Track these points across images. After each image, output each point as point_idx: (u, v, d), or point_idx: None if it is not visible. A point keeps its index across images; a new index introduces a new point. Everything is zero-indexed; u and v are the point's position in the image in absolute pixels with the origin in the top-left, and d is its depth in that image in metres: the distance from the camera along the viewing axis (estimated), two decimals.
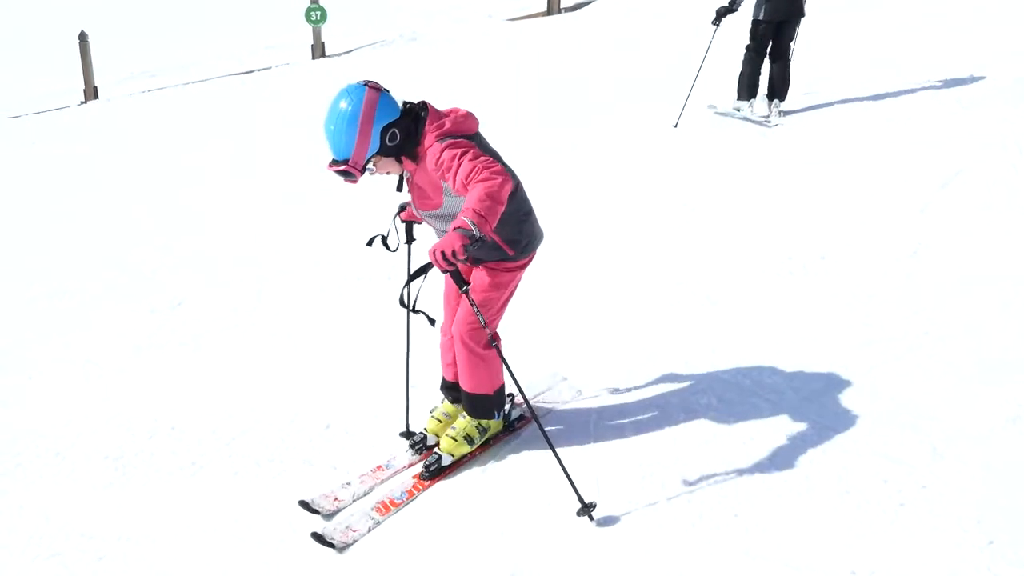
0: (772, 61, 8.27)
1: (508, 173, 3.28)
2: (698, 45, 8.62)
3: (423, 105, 3.50)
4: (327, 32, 17.60)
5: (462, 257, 3.12)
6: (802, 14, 8.06)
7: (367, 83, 3.46)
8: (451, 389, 4.00)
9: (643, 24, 14.05)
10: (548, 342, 4.82)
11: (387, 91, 3.46)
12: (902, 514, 3.21)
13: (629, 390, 4.29)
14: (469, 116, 3.52)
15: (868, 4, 12.80)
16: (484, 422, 3.90)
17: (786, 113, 8.31)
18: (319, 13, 16.96)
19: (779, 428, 3.84)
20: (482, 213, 3.12)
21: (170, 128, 12.48)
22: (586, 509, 3.38)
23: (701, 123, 8.42)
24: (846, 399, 4.00)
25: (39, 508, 3.91)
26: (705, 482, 3.55)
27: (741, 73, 8.35)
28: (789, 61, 8.25)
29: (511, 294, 3.77)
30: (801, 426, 3.83)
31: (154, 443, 4.33)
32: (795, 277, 5.30)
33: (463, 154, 3.28)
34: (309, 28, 17.22)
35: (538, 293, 4.94)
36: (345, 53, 17.20)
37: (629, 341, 4.76)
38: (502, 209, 3.20)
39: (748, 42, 8.26)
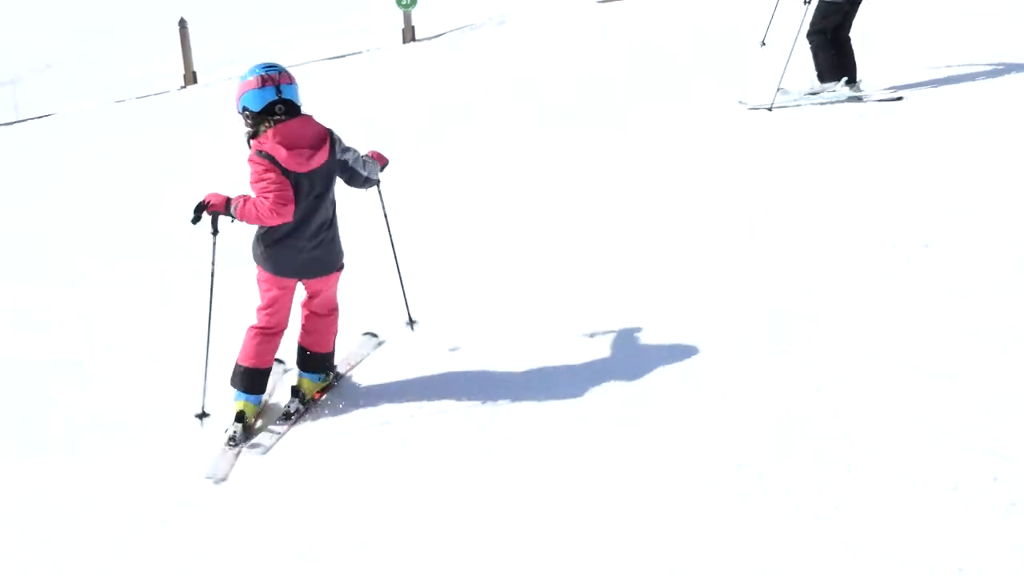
0: (844, 41, 8.00)
1: (280, 208, 4.02)
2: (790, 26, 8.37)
3: (300, 119, 4.15)
4: (417, 16, 17.71)
5: (210, 214, 4.17)
6: None
7: (268, 69, 4.14)
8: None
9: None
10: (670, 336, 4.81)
11: (276, 86, 4.07)
12: (1013, 513, 3.10)
13: (731, 381, 4.25)
14: (292, 156, 4.06)
15: None
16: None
17: (890, 97, 8.03)
18: None
19: (880, 420, 3.75)
20: (246, 208, 4.09)
21: None
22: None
23: (793, 106, 8.23)
24: (951, 392, 3.88)
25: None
26: (804, 473, 3.50)
27: (823, 57, 8.06)
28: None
29: (275, 298, 4.34)
30: (904, 419, 3.74)
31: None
32: (897, 266, 5.16)
33: (266, 172, 4.05)
34: (399, 12, 17.35)
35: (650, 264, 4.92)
36: (435, 37, 17.29)
37: (728, 329, 4.71)
38: (253, 221, 4.12)
39: (820, 25, 7.95)
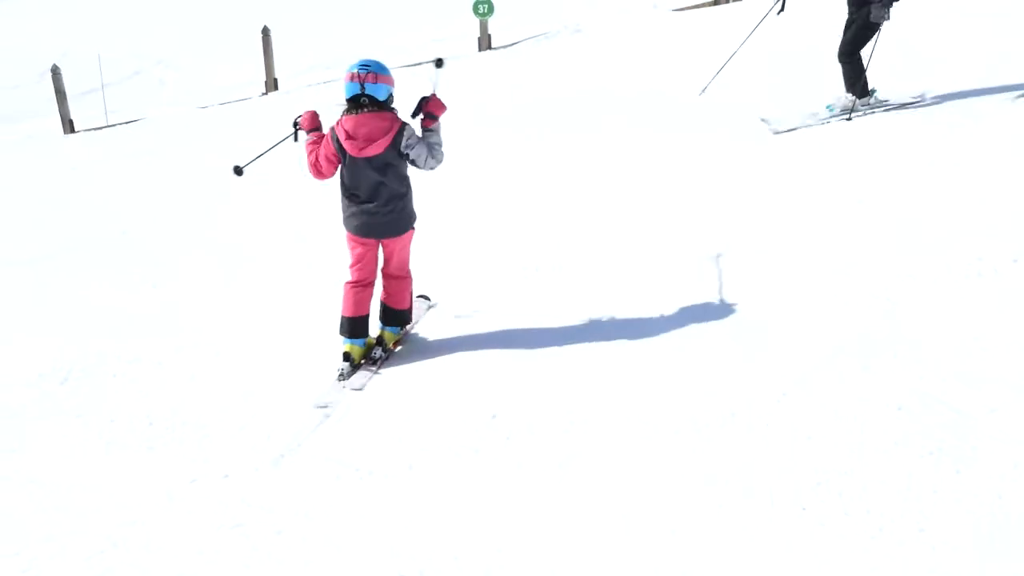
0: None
1: (310, 169, 5.16)
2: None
3: (369, 115, 4.90)
4: (493, 25, 17.80)
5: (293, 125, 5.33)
6: None
7: (360, 67, 4.91)
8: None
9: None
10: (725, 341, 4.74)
11: (361, 83, 4.87)
12: None
13: (813, 397, 4.15)
14: (348, 143, 4.91)
15: None
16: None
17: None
18: (486, 6, 17.18)
19: (965, 441, 3.63)
20: (306, 149, 5.17)
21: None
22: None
23: (874, 113, 8.04)
24: None
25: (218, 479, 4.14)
26: (886, 493, 3.39)
27: (860, 73, 8.16)
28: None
29: (360, 255, 5.15)
30: (990, 440, 3.60)
31: (329, 423, 4.50)
32: (984, 279, 4.98)
33: (322, 141, 5.10)
34: (476, 21, 17.47)
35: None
36: (510, 45, 17.35)
37: (811, 344, 4.60)
38: (309, 163, 5.15)
39: (862, 46, 8.08)
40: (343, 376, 5.04)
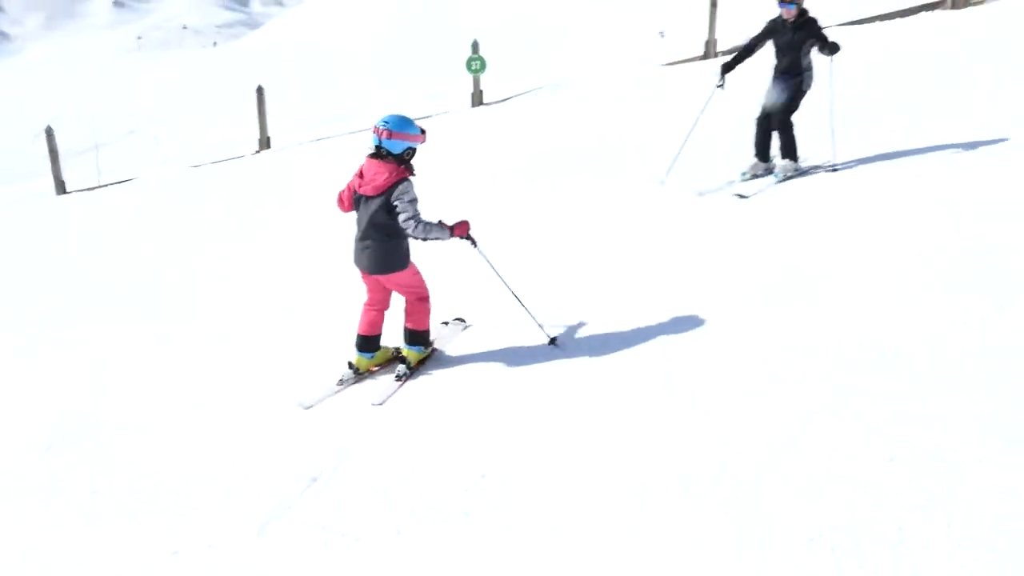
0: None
1: (337, 200, 5.71)
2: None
3: (379, 163, 5.37)
4: (486, 81, 18.04)
5: None
6: None
7: (383, 123, 5.34)
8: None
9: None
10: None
11: (379, 137, 5.31)
12: None
13: (803, 451, 4.12)
14: (357, 180, 5.48)
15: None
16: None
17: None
18: (479, 63, 17.44)
19: (955, 492, 3.59)
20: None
21: (333, 176, 13.02)
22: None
23: (863, 161, 8.13)
24: None
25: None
26: (879, 548, 3.36)
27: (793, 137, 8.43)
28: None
29: (365, 282, 5.73)
30: (979, 492, 3.57)
31: (317, 487, 4.45)
32: (971, 328, 4.98)
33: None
34: (470, 77, 17.70)
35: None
36: (502, 101, 17.56)
37: (795, 390, 4.59)
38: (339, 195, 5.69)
39: (795, 112, 8.38)
40: (342, 382, 5.71)
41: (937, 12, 16.64)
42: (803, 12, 8.17)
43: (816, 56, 8.28)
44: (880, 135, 9.03)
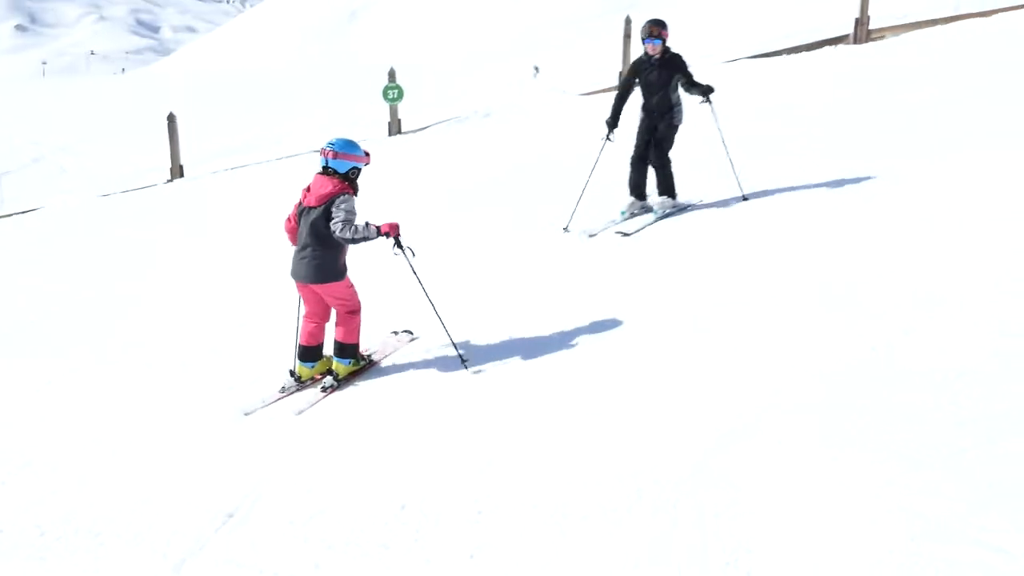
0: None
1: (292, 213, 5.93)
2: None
3: (323, 178, 5.73)
4: (404, 110, 18.05)
5: None
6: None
7: (328, 144, 5.75)
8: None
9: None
10: None
11: (325, 158, 5.73)
12: None
13: (707, 471, 4.19)
14: (303, 192, 5.83)
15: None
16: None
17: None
18: (396, 92, 17.46)
19: (863, 514, 3.69)
20: None
21: (247, 205, 12.85)
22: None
23: (769, 194, 8.37)
24: (937, 484, 3.83)
25: None
26: (793, 571, 3.42)
27: (671, 174, 8.57)
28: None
29: (300, 294, 6.02)
30: (886, 512, 3.68)
31: (232, 524, 4.36)
32: (877, 353, 5.15)
33: None
34: (386, 106, 17.70)
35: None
36: (420, 130, 17.58)
37: (708, 415, 4.67)
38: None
39: (671, 149, 8.50)
40: (284, 390, 5.97)
41: (840, 47, 17.30)
42: (667, 49, 8.24)
43: (688, 94, 8.39)
44: (778, 168, 9.30)
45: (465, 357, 5.93)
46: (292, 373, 6.09)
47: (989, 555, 3.32)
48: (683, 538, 3.75)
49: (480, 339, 6.34)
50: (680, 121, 8.45)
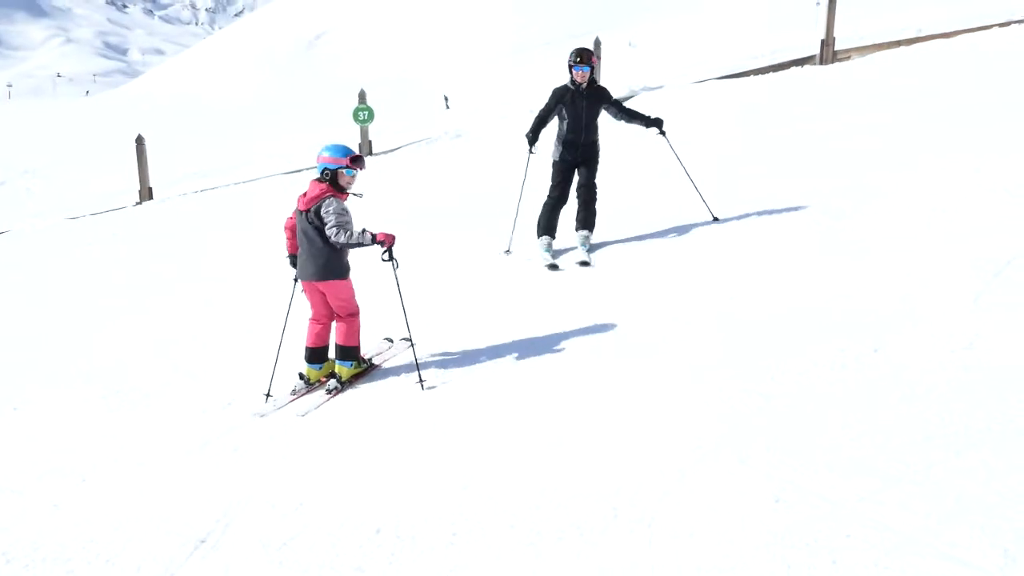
0: (577, 197, 8.38)
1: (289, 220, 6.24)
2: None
3: (314, 182, 6.03)
4: (375, 131, 18.05)
5: None
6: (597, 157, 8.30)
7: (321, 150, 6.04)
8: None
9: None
10: None
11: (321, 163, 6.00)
12: None
13: (691, 492, 4.21)
14: (298, 198, 6.10)
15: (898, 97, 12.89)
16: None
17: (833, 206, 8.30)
18: (366, 113, 17.45)
19: (839, 530, 3.72)
20: None
21: (219, 227, 12.78)
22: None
23: (739, 216, 8.45)
24: (907, 499, 3.87)
25: None
26: None
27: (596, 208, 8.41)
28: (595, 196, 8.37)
29: (307, 296, 6.24)
30: (861, 528, 3.71)
31: (204, 549, 4.31)
32: (848, 370, 5.21)
33: None
34: (357, 127, 17.69)
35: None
36: (391, 151, 17.59)
37: (683, 435, 4.69)
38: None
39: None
40: (294, 392, 6.20)
41: (807, 67, 17.55)
42: (594, 80, 8.16)
43: (629, 124, 8.32)
44: (747, 187, 9.40)
45: (423, 378, 6.00)
46: (301, 376, 6.30)
47: (958, 569, 3.36)
48: (659, 558, 3.76)
49: (454, 359, 6.34)
50: (601, 154, 8.33)
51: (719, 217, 8.55)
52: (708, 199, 8.64)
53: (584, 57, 8.00)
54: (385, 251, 5.85)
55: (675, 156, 8.67)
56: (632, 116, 8.26)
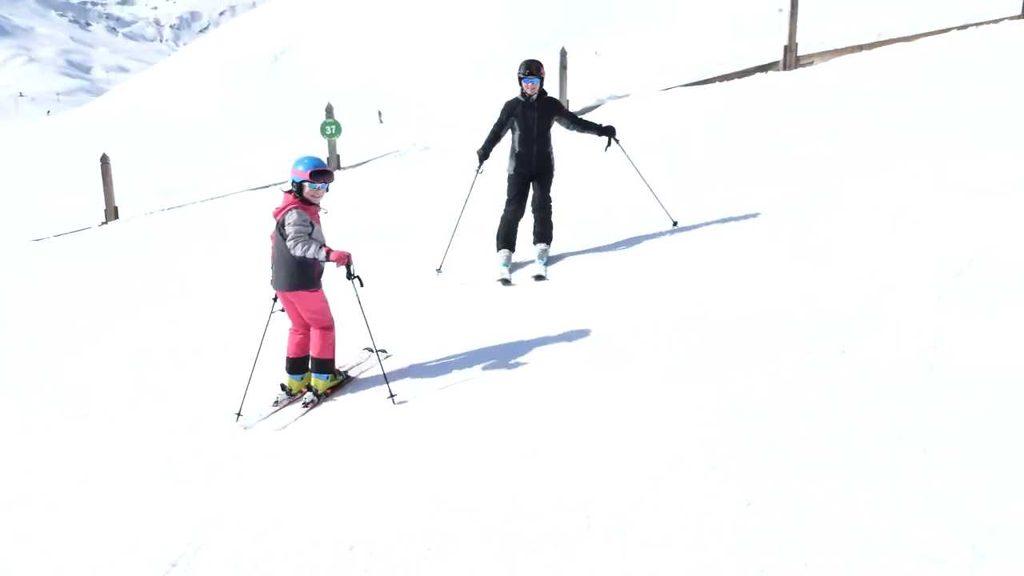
0: (533, 210, 8.36)
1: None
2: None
3: (286, 195, 6.09)
4: (343, 145, 18.00)
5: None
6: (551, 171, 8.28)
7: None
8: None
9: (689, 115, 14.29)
10: None
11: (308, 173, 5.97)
12: None
13: (664, 498, 4.22)
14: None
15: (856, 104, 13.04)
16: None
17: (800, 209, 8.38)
18: (334, 127, 17.40)
19: (810, 532, 3.75)
20: None
21: (186, 245, 12.68)
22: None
23: (703, 222, 8.51)
24: (877, 499, 3.90)
25: None
26: None
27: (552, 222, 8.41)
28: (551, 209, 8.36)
29: (284, 305, 6.27)
30: (831, 530, 3.74)
31: (175, 573, 4.27)
32: (816, 372, 5.25)
33: None
34: (325, 142, 17.63)
35: None
36: (359, 165, 17.55)
37: (655, 441, 4.70)
38: None
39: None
40: (277, 403, 6.25)
41: (770, 73, 17.73)
42: (544, 91, 8.13)
43: (582, 134, 8.34)
44: (711, 193, 9.46)
45: (394, 392, 5.99)
46: (283, 387, 6.34)
47: (928, 567, 3.39)
48: (633, 566, 3.77)
49: (424, 372, 6.33)
50: (556, 165, 8.32)
51: (678, 222, 8.58)
52: (668, 204, 8.67)
53: (533, 69, 8.01)
54: (346, 270, 5.84)
55: (631, 163, 8.70)
56: (584, 126, 8.29)
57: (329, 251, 5.79)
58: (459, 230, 8.66)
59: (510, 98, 8.23)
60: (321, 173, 5.99)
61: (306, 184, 5.96)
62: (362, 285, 5.95)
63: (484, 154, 8.33)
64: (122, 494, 5.23)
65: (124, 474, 5.48)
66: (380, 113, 24.63)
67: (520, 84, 8.06)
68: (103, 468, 5.61)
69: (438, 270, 8.53)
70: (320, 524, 4.53)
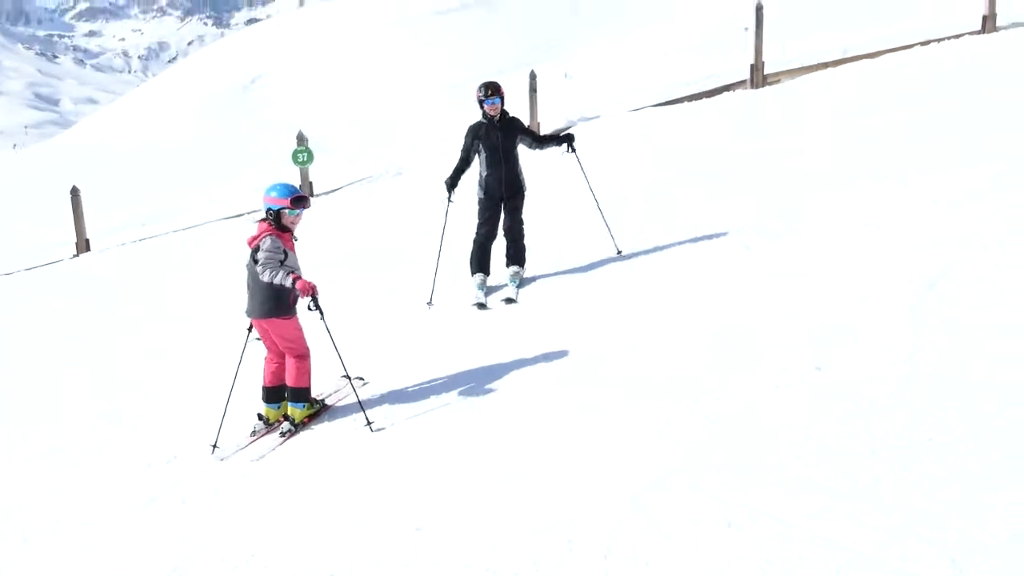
0: (504, 233, 8.40)
1: None
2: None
3: (260, 222, 6.09)
4: (315, 172, 17.97)
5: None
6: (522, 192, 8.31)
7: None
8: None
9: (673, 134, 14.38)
10: None
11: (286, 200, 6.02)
12: None
13: (645, 520, 4.21)
14: None
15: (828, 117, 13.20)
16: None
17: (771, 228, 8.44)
18: (305, 155, 17.37)
19: (791, 550, 3.75)
20: None
21: (160, 276, 12.59)
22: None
23: (675, 241, 8.56)
24: (856, 514, 3.92)
25: None
26: None
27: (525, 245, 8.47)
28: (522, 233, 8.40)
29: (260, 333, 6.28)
30: (811, 547, 3.75)
31: None
32: (792, 388, 5.28)
33: None
34: (297, 170, 17.59)
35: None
36: (331, 192, 17.52)
37: (634, 462, 4.70)
38: None
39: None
40: (254, 433, 6.22)
41: (738, 91, 17.92)
42: (505, 111, 8.16)
43: (543, 150, 8.39)
44: (679, 211, 9.52)
45: (371, 420, 5.98)
46: (260, 416, 6.31)
47: None
48: None
49: (400, 399, 6.30)
50: (526, 186, 8.36)
51: (622, 251, 8.57)
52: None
53: (493, 89, 8.07)
54: (309, 300, 5.83)
55: (584, 178, 8.73)
56: (545, 141, 8.35)
57: (296, 279, 5.80)
58: (442, 260, 8.60)
59: (473, 122, 8.25)
60: (301, 199, 6.06)
61: (285, 211, 6.00)
62: (322, 317, 5.90)
63: (452, 183, 8.31)
64: (98, 529, 5.15)
65: (100, 509, 5.41)
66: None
67: (481, 107, 8.10)
68: (78, 503, 5.53)
69: (428, 303, 8.43)
70: (300, 554, 4.48)
